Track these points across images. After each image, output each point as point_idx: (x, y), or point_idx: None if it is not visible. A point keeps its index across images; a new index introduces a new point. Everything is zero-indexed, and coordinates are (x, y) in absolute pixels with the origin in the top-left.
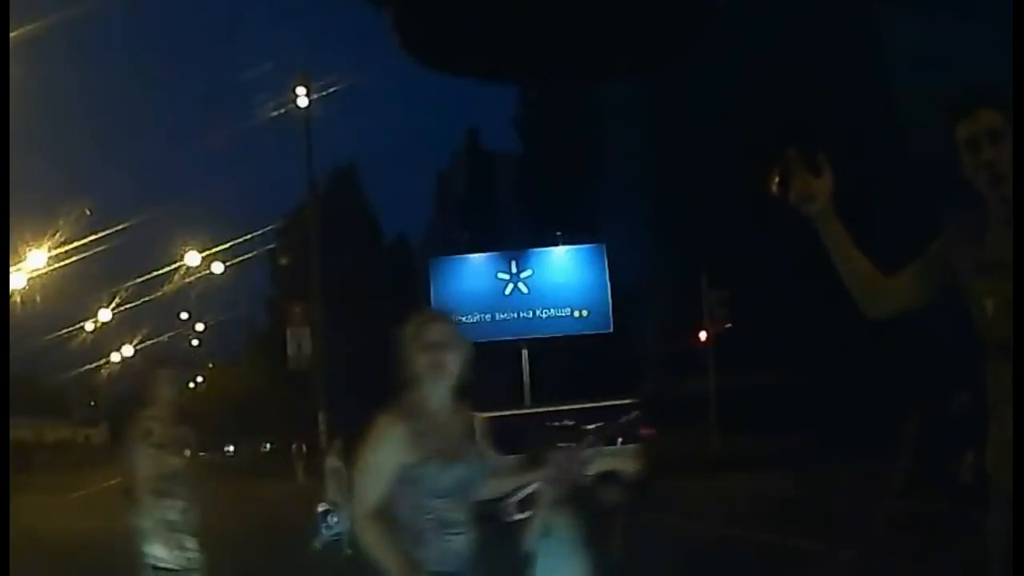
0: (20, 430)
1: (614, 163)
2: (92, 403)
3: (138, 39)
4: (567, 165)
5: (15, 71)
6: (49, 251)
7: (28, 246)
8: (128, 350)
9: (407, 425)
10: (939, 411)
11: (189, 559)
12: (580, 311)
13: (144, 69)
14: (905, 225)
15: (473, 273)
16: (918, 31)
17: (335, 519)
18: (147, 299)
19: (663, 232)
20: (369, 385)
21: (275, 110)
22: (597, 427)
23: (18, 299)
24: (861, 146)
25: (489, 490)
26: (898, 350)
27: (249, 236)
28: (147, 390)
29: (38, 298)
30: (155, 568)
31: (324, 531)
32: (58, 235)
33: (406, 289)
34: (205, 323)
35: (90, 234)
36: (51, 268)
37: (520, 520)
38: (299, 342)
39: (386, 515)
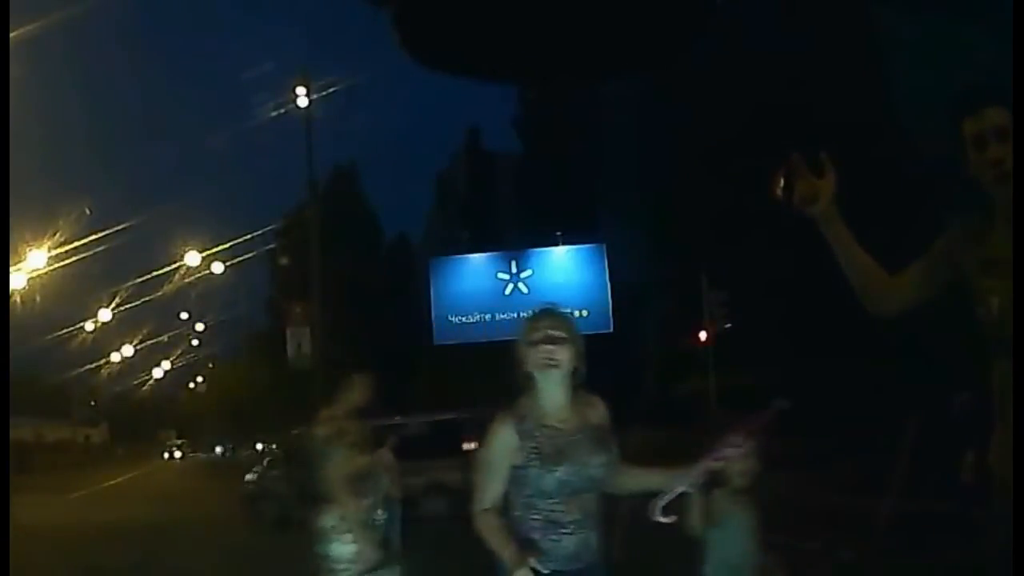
0: (20, 430)
1: (614, 163)
2: (92, 403)
3: (138, 39)
4: (567, 165)
5: (15, 71)
6: (49, 251)
7: (28, 246)
8: (128, 350)
9: (514, 427)
10: (939, 411)
11: (383, 556)
12: (580, 311)
13: (144, 69)
14: (910, 224)
15: (473, 273)
16: (920, 29)
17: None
18: (147, 299)
19: (663, 232)
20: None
21: (275, 110)
22: (744, 429)
23: (18, 299)
24: (863, 145)
25: (626, 487)
26: (898, 350)
27: (249, 236)
28: (340, 392)
29: (38, 298)
30: (336, 571)
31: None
32: (58, 235)
33: (406, 289)
34: (205, 323)
35: (90, 234)
36: (51, 268)
37: (667, 522)
38: (299, 342)
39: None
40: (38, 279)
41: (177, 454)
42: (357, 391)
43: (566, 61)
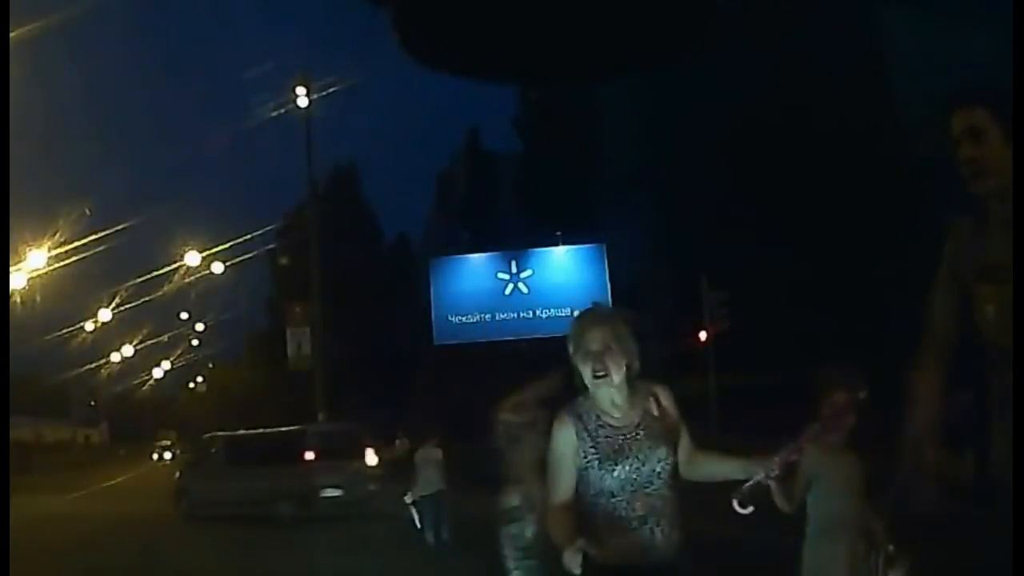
0: (20, 430)
1: (614, 163)
2: (92, 403)
3: (138, 39)
4: (567, 165)
5: (15, 71)
6: (49, 251)
7: (28, 246)
8: (128, 350)
9: (571, 427)
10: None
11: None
12: (580, 311)
13: (144, 69)
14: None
15: (473, 273)
16: (920, 32)
17: (420, 512)
18: (147, 299)
19: (663, 232)
20: (369, 385)
21: (275, 110)
22: (817, 424)
23: (18, 299)
24: (862, 144)
25: (701, 474)
26: (899, 350)
27: (249, 236)
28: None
29: (38, 298)
30: (519, 549)
31: (415, 519)
32: (58, 235)
33: (406, 289)
34: (205, 323)
35: (90, 234)
36: (51, 268)
37: (745, 512)
38: (299, 342)
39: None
40: (38, 279)
41: (167, 455)
42: (550, 381)
43: (566, 61)
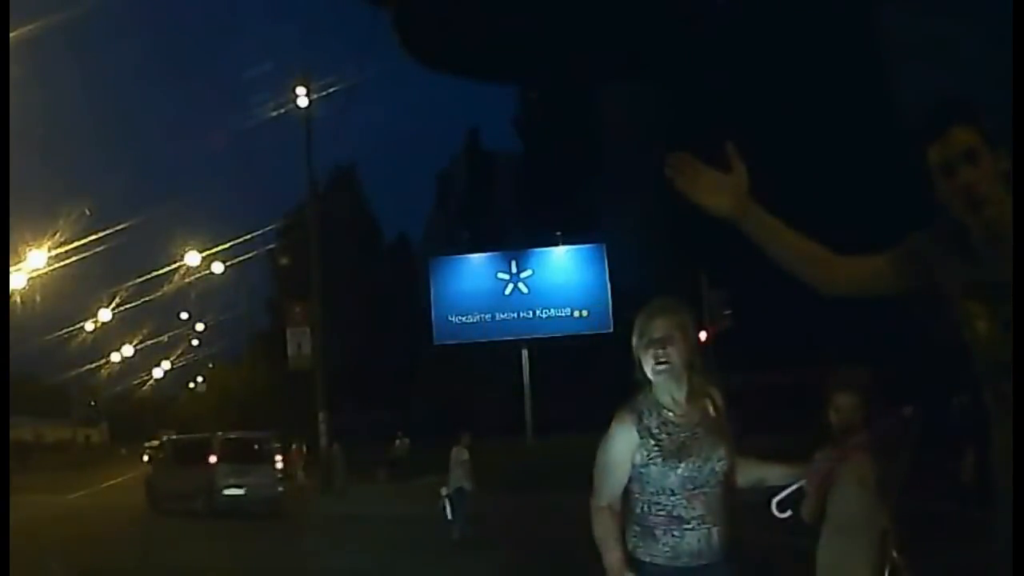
0: (20, 430)
1: (614, 163)
2: (92, 403)
3: (138, 39)
4: (567, 165)
5: (15, 71)
6: (49, 251)
7: (28, 246)
8: (128, 350)
9: (632, 425)
10: (940, 411)
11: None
12: (580, 311)
13: (144, 69)
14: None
15: (473, 273)
16: (919, 31)
17: (452, 505)
18: (147, 299)
19: (663, 232)
20: (369, 385)
21: (275, 110)
22: (865, 431)
23: (18, 299)
24: (861, 143)
25: (740, 480)
26: (899, 350)
27: (249, 236)
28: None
29: (38, 298)
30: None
31: (448, 515)
32: (58, 235)
33: (406, 289)
34: (205, 323)
35: (90, 234)
36: (51, 268)
37: (782, 517)
38: (299, 342)
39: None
40: (38, 279)
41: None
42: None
43: (566, 61)
